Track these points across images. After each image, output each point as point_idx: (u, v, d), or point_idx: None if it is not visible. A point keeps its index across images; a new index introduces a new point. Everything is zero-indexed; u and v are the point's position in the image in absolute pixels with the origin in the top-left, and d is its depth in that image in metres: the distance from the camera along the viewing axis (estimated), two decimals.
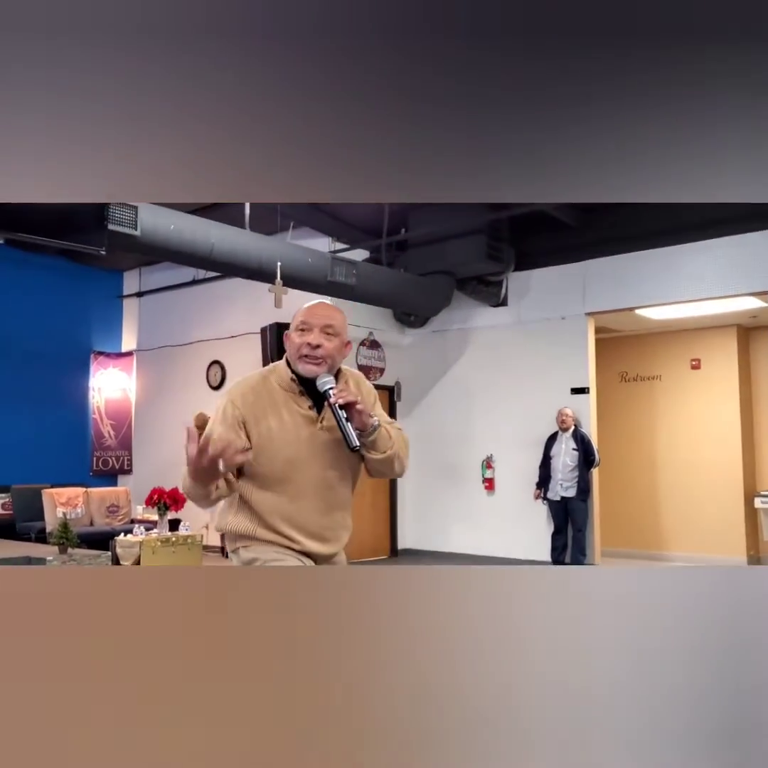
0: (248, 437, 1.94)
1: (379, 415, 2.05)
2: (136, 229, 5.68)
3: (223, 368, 9.25)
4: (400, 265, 8.20)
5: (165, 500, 7.58)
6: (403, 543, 9.03)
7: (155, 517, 7.56)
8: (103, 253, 5.69)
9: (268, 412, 1.96)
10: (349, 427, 1.88)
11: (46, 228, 5.43)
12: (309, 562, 2.04)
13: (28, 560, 6.40)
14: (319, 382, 1.94)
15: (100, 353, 10.15)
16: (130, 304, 10.46)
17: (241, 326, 8.93)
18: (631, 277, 7.60)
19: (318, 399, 1.98)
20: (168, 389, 9.80)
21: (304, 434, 1.96)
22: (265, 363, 8.26)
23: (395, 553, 8.95)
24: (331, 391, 1.90)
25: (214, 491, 1.89)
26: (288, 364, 2.00)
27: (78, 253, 7.19)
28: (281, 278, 6.48)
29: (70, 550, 6.49)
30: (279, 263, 6.51)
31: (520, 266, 8.23)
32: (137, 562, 6.89)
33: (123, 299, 10.49)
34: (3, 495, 8.75)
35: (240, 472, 1.97)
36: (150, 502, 7.51)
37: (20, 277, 9.30)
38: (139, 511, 8.55)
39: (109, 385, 10.08)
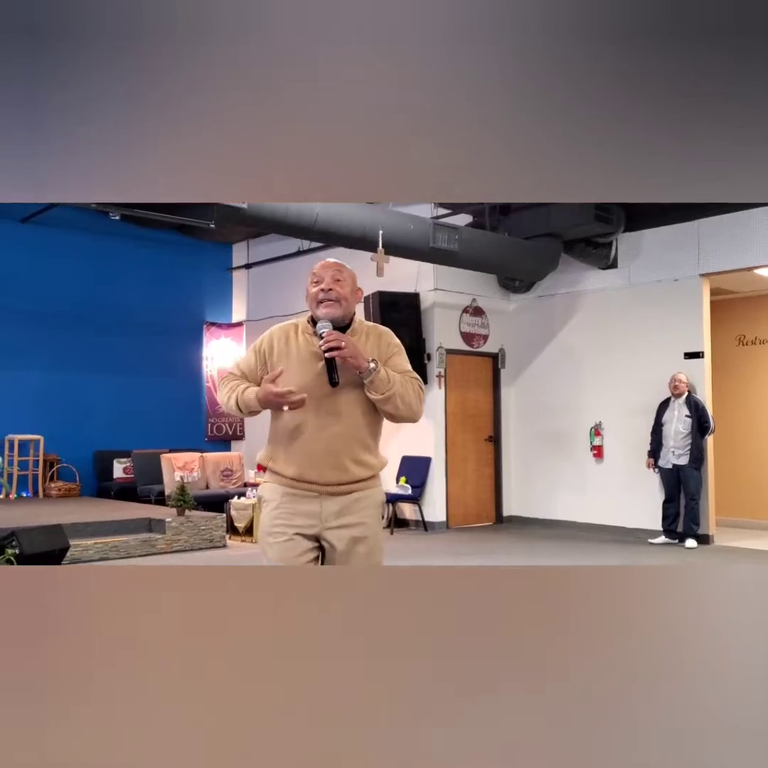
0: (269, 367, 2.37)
1: (397, 364, 2.34)
2: (242, 202, 5.82)
3: None
4: (504, 229, 8.06)
5: None
6: (508, 510, 8.99)
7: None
8: (212, 226, 5.87)
9: (291, 349, 2.35)
10: (333, 368, 2.22)
11: (158, 203, 5.65)
12: (312, 495, 2.28)
13: (149, 522, 6.76)
14: (318, 326, 2.29)
15: (212, 324, 10.52)
16: (239, 275, 10.76)
17: None
18: (749, 235, 7.18)
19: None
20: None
21: (315, 367, 2.29)
22: None
23: (500, 520, 8.93)
24: (323, 334, 2.24)
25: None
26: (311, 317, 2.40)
27: (189, 227, 7.44)
28: (383, 246, 6.49)
29: (187, 512, 6.82)
30: (381, 231, 6.52)
31: (631, 227, 7.92)
32: (250, 524, 7.17)
33: (232, 271, 10.80)
34: (125, 460, 9.26)
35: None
36: (260, 467, 7.77)
37: (136, 251, 9.73)
38: (251, 475, 8.88)
39: (222, 354, 10.44)
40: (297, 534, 2.28)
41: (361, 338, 2.35)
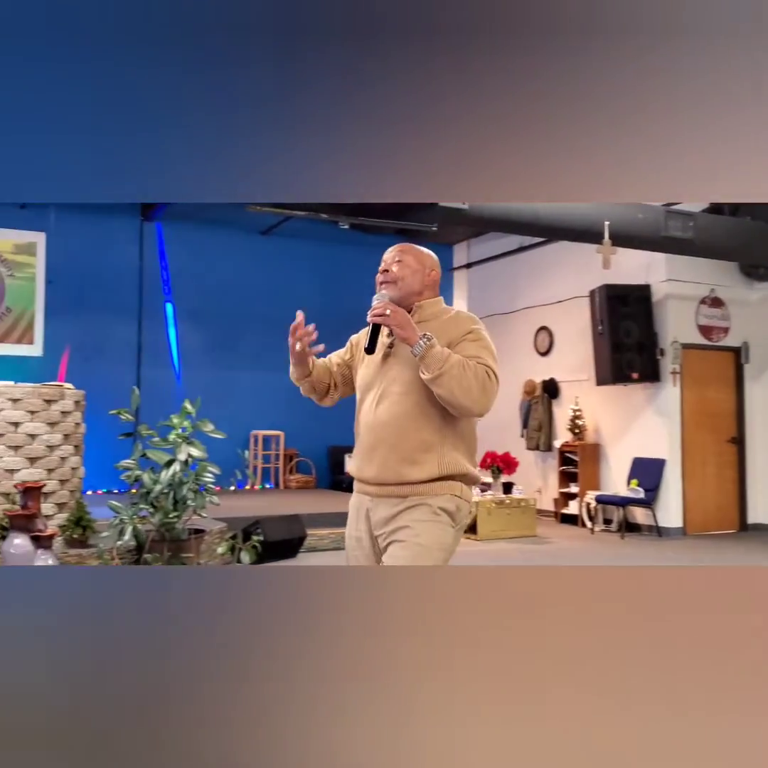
0: (352, 373, 2.28)
1: (464, 349, 2.03)
2: (463, 203, 5.88)
3: (551, 334, 9.22)
4: (744, 212, 7.42)
5: (498, 463, 7.83)
6: (753, 517, 8.27)
7: (489, 479, 7.84)
8: (434, 229, 5.99)
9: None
10: (374, 337, 2.07)
11: (384, 211, 5.87)
12: (366, 497, 2.09)
13: None
14: (373, 298, 2.13)
15: None
16: (460, 275, 10.88)
17: (568, 290, 8.80)
18: None
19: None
20: (499, 356, 10.01)
21: (379, 356, 2.13)
22: (594, 326, 8.07)
23: (744, 527, 8.23)
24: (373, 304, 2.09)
25: (306, 381, 2.24)
26: None
27: (412, 231, 7.65)
28: (610, 237, 6.25)
29: None
30: (607, 222, 6.28)
31: None
32: (474, 523, 7.22)
33: (453, 272, 10.95)
34: None
35: None
36: (484, 464, 7.81)
37: (363, 258, 10.16)
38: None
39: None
40: (359, 541, 2.10)
41: (429, 325, 2.08)
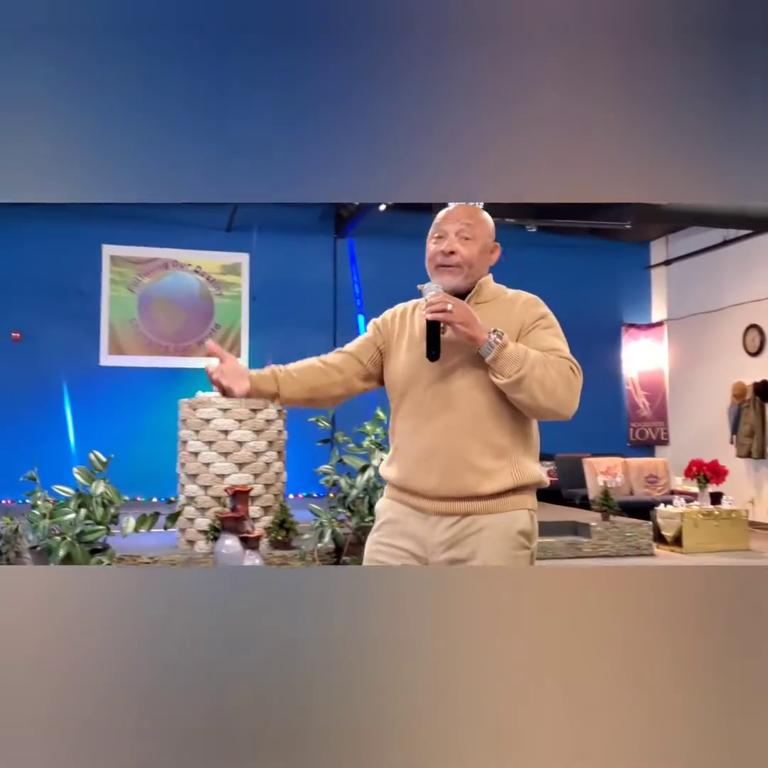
0: (383, 360, 1.85)
1: (539, 339, 1.71)
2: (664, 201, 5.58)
3: (761, 332, 8.51)
4: None
5: (705, 472, 7.33)
6: None
7: (695, 489, 7.36)
8: (628, 226, 5.74)
9: (405, 335, 1.81)
10: (435, 338, 1.66)
11: (575, 211, 5.71)
12: (418, 513, 1.71)
13: (574, 525, 6.83)
14: (425, 288, 1.75)
15: (631, 325, 10.26)
16: (658, 273, 10.33)
17: None
18: None
19: None
20: (702, 357, 9.42)
21: (424, 348, 1.71)
22: None
23: None
24: (428, 297, 1.68)
25: (276, 400, 1.80)
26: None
27: (605, 229, 7.39)
28: None
29: (612, 517, 6.73)
30: None
31: None
32: (678, 535, 6.81)
33: (651, 270, 10.42)
34: (548, 463, 9.51)
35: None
36: (689, 473, 7.34)
37: (553, 259, 9.95)
38: (678, 482, 8.43)
39: (641, 356, 10.12)
40: (398, 558, 1.73)
41: (489, 307, 1.75)
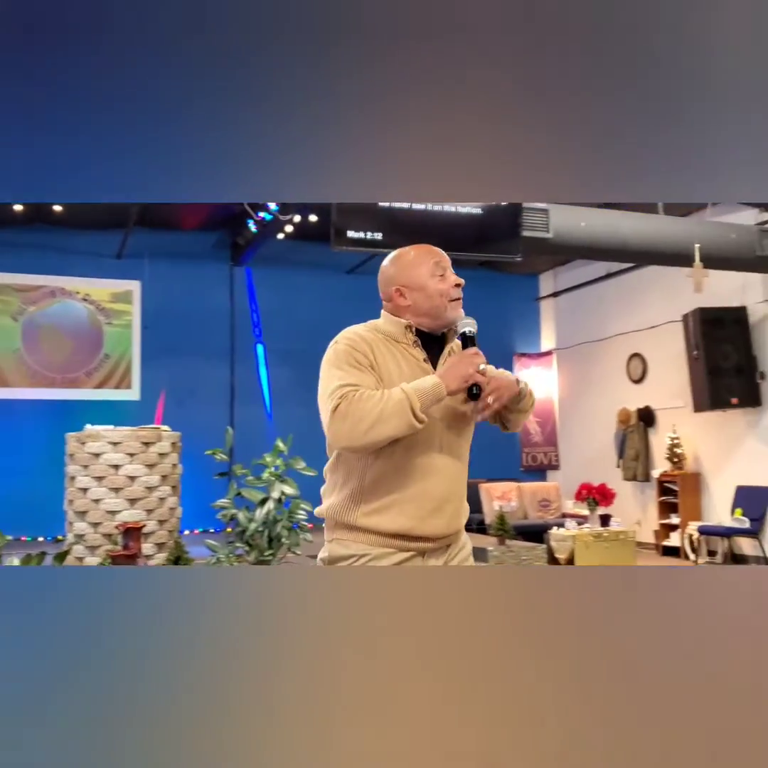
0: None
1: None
2: (548, 232, 5.82)
3: (644, 361, 8.97)
4: None
5: (594, 495, 7.61)
6: None
7: (586, 511, 7.62)
8: (518, 259, 5.95)
9: (388, 359, 1.76)
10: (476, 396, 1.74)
11: (466, 243, 5.87)
12: (409, 555, 1.75)
13: (472, 550, 6.93)
14: (461, 324, 1.82)
15: (522, 354, 10.60)
16: (547, 304, 10.75)
17: (660, 316, 8.56)
18: None
19: (431, 351, 1.84)
20: (589, 385, 9.83)
21: None
22: (689, 351, 7.79)
23: None
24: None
25: None
26: (390, 319, 1.83)
27: (496, 262, 7.63)
28: (701, 260, 6.06)
29: (507, 541, 6.87)
30: (697, 245, 6.10)
31: None
32: (571, 557, 7.03)
33: (540, 301, 10.82)
34: None
35: None
36: (579, 496, 7.60)
37: None
38: (569, 505, 8.72)
39: (532, 384, 10.40)
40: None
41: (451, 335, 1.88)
